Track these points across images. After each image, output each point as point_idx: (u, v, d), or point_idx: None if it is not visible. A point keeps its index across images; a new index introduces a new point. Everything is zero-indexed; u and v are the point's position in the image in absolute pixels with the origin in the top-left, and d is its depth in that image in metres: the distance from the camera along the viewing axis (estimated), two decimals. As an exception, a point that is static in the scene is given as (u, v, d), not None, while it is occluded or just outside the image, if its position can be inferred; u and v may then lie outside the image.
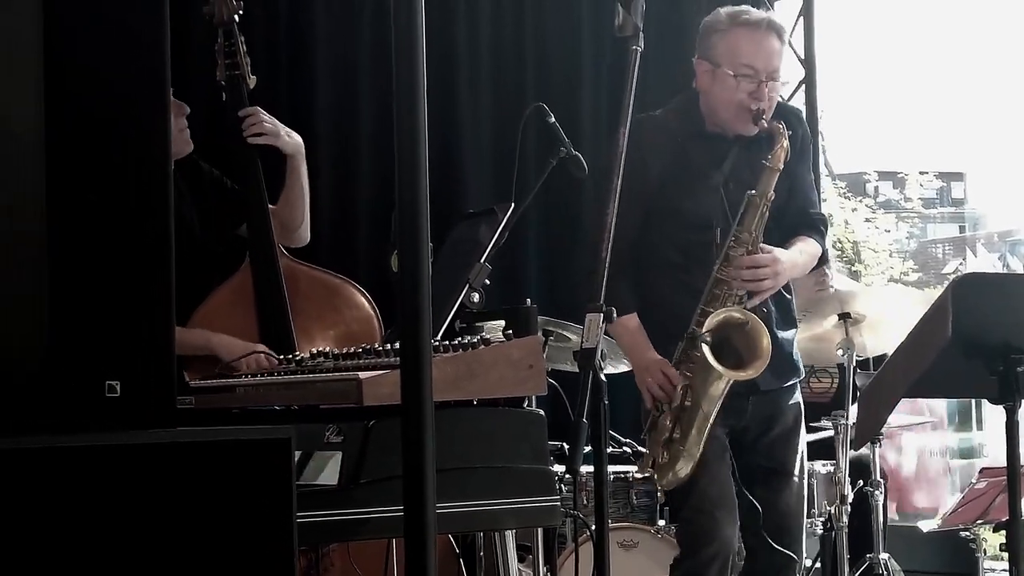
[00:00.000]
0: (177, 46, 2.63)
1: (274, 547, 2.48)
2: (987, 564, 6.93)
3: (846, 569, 5.50)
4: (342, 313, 4.56)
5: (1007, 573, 3.28)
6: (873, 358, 6.12)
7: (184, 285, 2.61)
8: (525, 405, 3.35)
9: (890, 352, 3.30)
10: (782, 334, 4.27)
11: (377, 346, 3.39)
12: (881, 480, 5.80)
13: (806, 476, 4.46)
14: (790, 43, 7.46)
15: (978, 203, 36.42)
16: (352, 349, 3.43)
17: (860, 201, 26.08)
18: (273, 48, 6.17)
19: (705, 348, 4.00)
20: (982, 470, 6.55)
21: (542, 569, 4.60)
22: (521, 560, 4.69)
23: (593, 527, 3.57)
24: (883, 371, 3.27)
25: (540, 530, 4.56)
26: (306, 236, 4.79)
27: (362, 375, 3.07)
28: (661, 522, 5.27)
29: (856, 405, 5.31)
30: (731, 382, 4.06)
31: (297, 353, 3.76)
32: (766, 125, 4.15)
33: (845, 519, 5.46)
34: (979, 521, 6.40)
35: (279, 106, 5.97)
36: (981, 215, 35.59)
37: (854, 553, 5.67)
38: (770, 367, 4.15)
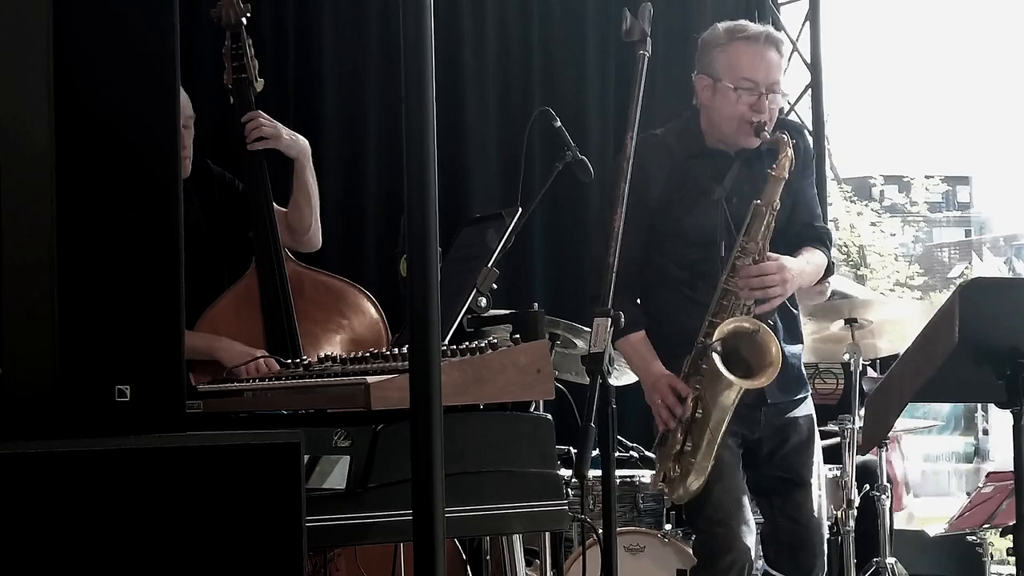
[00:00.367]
0: (184, 50, 2.64)
1: (283, 551, 2.49)
2: (994, 568, 6.93)
3: (853, 573, 5.50)
4: (348, 317, 4.56)
5: (1014, 577, 3.28)
6: (880, 360, 6.12)
7: (193, 289, 2.62)
8: (532, 409, 3.35)
9: (897, 355, 3.30)
10: (789, 349, 4.26)
11: (385, 350, 3.39)
12: (888, 484, 5.80)
13: (824, 486, 4.46)
14: (796, 48, 7.48)
15: (984, 207, 36.44)
16: (360, 353, 3.44)
17: (866, 205, 26.06)
18: (281, 53, 6.17)
19: (716, 357, 4.00)
20: (989, 474, 6.55)
21: (549, 573, 4.59)
22: (528, 564, 4.68)
23: (600, 531, 3.58)
24: (890, 376, 3.28)
25: (547, 534, 4.55)
26: (317, 241, 4.79)
27: (370, 379, 3.07)
28: (668, 527, 5.27)
29: (863, 410, 5.31)
30: (742, 392, 4.06)
31: (305, 357, 3.76)
32: (768, 137, 4.16)
33: (852, 523, 5.47)
34: (986, 525, 6.40)
35: (287, 111, 5.99)
36: (987, 219, 35.58)
37: (861, 557, 5.67)
38: (777, 383, 4.16)
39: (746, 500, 4.25)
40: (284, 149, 4.60)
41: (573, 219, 6.65)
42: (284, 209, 4.66)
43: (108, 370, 2.41)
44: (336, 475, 3.07)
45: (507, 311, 3.79)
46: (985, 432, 19.80)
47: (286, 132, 4.61)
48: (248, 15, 4.60)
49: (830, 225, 4.94)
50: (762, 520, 4.43)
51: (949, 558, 7.20)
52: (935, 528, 7.25)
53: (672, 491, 4.18)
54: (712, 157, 4.29)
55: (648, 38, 3.77)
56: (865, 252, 24.46)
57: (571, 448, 4.88)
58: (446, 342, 3.33)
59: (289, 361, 3.81)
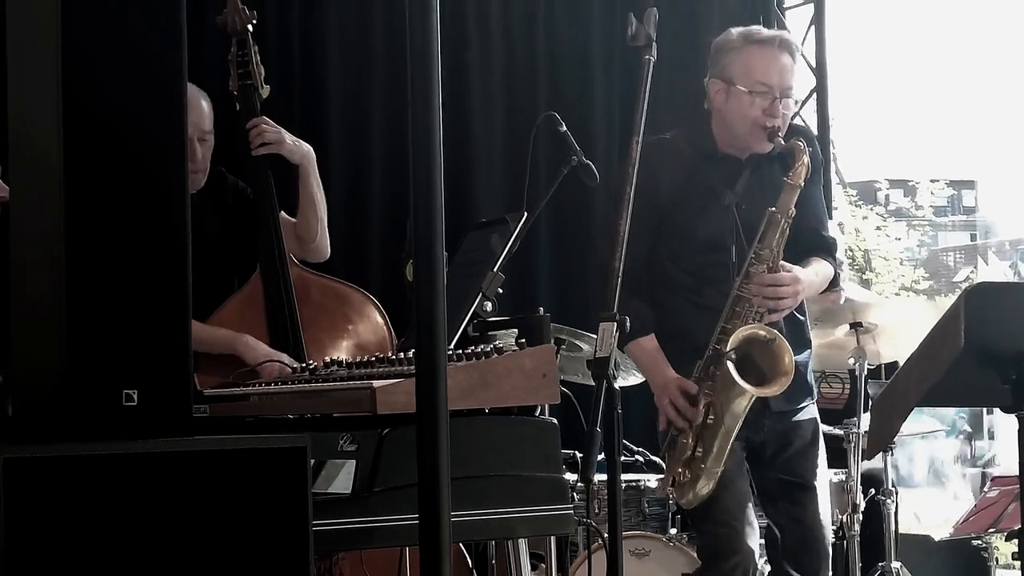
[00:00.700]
0: (191, 56, 2.64)
1: (289, 555, 2.49)
2: (999, 573, 6.93)
3: (858, 577, 5.50)
4: (353, 322, 4.56)
5: (1019, 582, 3.28)
6: (885, 365, 6.12)
7: (204, 294, 2.63)
8: (538, 414, 3.35)
9: (902, 360, 3.30)
10: (796, 356, 4.27)
11: (391, 355, 3.40)
12: (893, 489, 5.80)
13: (828, 489, 4.47)
14: (802, 53, 7.48)
15: (989, 211, 36.36)
16: (366, 358, 3.44)
17: (871, 209, 26.06)
18: (286, 59, 6.18)
19: (730, 365, 4.00)
20: (994, 479, 6.55)
21: (554, 577, 4.60)
22: (534, 568, 4.69)
23: (606, 535, 3.58)
24: (895, 380, 3.28)
25: (553, 538, 4.56)
26: (325, 250, 4.78)
27: (376, 384, 3.07)
28: (673, 531, 5.27)
29: (868, 414, 5.31)
30: (753, 399, 4.06)
31: (311, 362, 3.77)
32: (782, 142, 4.16)
33: (857, 528, 5.47)
34: (991, 530, 6.40)
35: (292, 117, 5.99)
36: (992, 223, 35.52)
37: (866, 562, 5.67)
38: (783, 393, 4.17)
39: (750, 503, 4.26)
40: (287, 155, 4.61)
41: (578, 224, 6.65)
42: (293, 219, 4.67)
43: (115, 374, 2.42)
44: (342, 479, 3.08)
45: (512, 316, 3.80)
46: (991, 436, 19.78)
47: (289, 138, 4.61)
48: (254, 22, 4.60)
49: (836, 230, 4.93)
50: (767, 523, 4.44)
51: (954, 562, 7.19)
52: (940, 532, 7.25)
53: (681, 495, 4.18)
54: (724, 162, 4.30)
55: (653, 43, 3.78)
56: (870, 256, 24.45)
57: (576, 452, 4.89)
58: (452, 346, 3.33)
59: (296, 365, 3.82)
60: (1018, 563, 3.21)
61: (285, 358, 4.22)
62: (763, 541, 4.50)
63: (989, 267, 29.42)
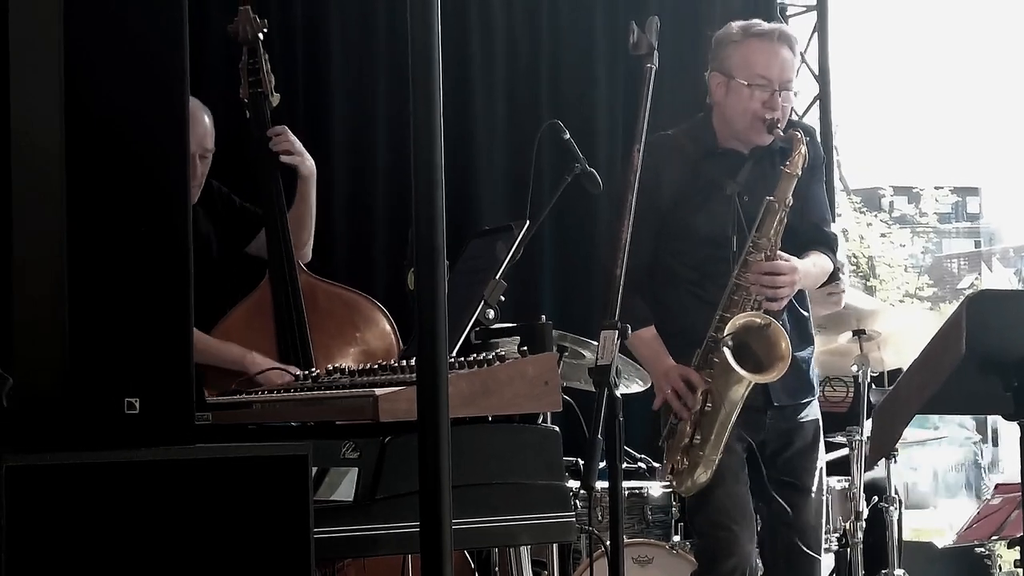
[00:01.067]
0: (197, 64, 2.65)
1: (291, 562, 2.50)
2: (1003, 580, 6.93)
3: (861, 585, 5.50)
4: (361, 329, 4.57)
5: (1022, 589, 3.28)
6: (888, 372, 6.12)
7: (201, 302, 2.63)
8: (540, 421, 3.35)
9: (905, 367, 3.30)
10: (798, 352, 4.27)
11: (393, 362, 3.40)
12: (896, 496, 5.79)
13: (825, 492, 4.47)
14: (804, 59, 7.48)
15: (993, 218, 36.32)
16: (368, 365, 3.45)
17: (875, 216, 26.02)
18: (290, 67, 6.19)
19: (726, 351, 4.02)
20: (997, 486, 6.54)
21: (557, 585, 4.60)
22: (536, 576, 4.70)
23: (608, 543, 3.58)
24: (897, 387, 3.27)
25: (555, 546, 4.57)
26: (308, 254, 4.82)
27: (378, 391, 3.08)
28: (676, 538, 5.26)
29: (870, 421, 5.31)
30: (751, 386, 4.08)
31: (314, 369, 3.77)
32: (781, 134, 4.18)
33: (860, 535, 5.46)
34: (994, 537, 6.39)
35: (296, 125, 6.00)
36: (996, 230, 35.50)
37: (869, 569, 5.67)
38: (785, 386, 4.19)
39: (749, 506, 4.26)
40: (304, 169, 4.66)
41: (581, 231, 6.65)
42: None
43: (117, 382, 2.42)
44: (344, 487, 3.08)
45: (515, 323, 3.80)
46: (994, 443, 19.77)
47: (307, 154, 4.67)
48: (265, 31, 4.62)
49: (841, 236, 4.94)
50: (760, 524, 4.43)
51: (957, 570, 7.19)
52: (943, 540, 7.24)
53: (680, 483, 4.19)
54: (725, 156, 4.32)
55: (655, 52, 3.79)
56: (874, 263, 24.42)
57: (579, 459, 4.89)
58: (454, 354, 3.34)
59: (298, 373, 3.82)
60: (1021, 571, 3.21)
61: (294, 370, 4.23)
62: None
63: (993, 274, 29.40)
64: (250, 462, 2.50)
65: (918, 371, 3.14)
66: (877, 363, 5.77)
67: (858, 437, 5.48)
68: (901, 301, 23.38)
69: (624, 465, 3.57)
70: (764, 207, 4.13)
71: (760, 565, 4.45)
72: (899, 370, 5.79)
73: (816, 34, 7.76)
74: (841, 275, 4.59)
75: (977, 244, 35.23)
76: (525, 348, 3.31)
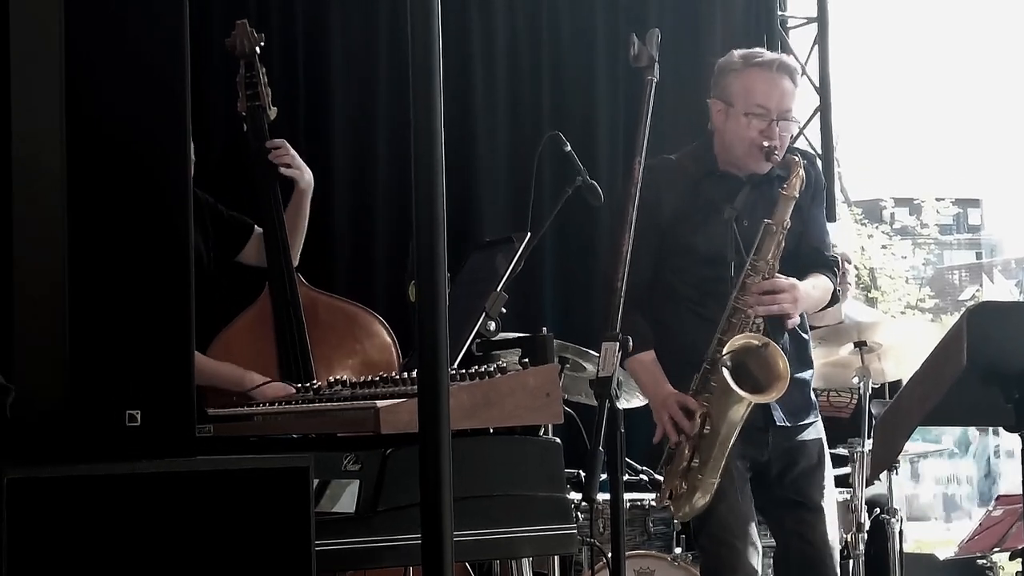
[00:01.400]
0: (196, 78, 2.64)
1: (293, 575, 2.49)
2: (1004, 592, 6.92)
3: (863, 597, 5.49)
4: (361, 341, 4.57)
5: (1024, 601, 3.28)
6: (889, 384, 6.12)
7: (197, 314, 2.62)
8: (541, 433, 3.35)
9: (906, 379, 3.30)
10: (798, 375, 4.28)
11: (395, 375, 3.40)
12: (897, 508, 5.79)
13: (835, 509, 4.47)
14: (805, 71, 7.49)
15: (995, 229, 36.37)
16: (369, 377, 3.45)
17: (876, 228, 26.05)
18: (291, 80, 6.20)
19: (725, 372, 4.03)
20: (999, 497, 6.54)
21: (559, 597, 4.59)
22: (538, 588, 4.69)
23: (610, 555, 3.58)
24: (898, 399, 3.27)
25: (557, 558, 4.56)
26: (295, 262, 4.81)
27: (379, 403, 3.08)
28: (678, 550, 5.26)
29: (871, 434, 5.31)
30: (751, 407, 4.08)
31: (315, 381, 3.77)
32: (778, 160, 4.22)
33: (862, 547, 5.46)
34: (996, 549, 6.38)
35: (297, 136, 6.01)
36: (998, 241, 35.53)
37: (871, 581, 5.67)
38: (786, 406, 4.21)
39: (753, 522, 4.26)
40: (302, 182, 4.65)
41: (582, 243, 6.66)
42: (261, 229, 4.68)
43: (119, 395, 2.43)
44: (346, 499, 3.08)
45: (516, 335, 3.80)
46: (996, 455, 19.76)
47: (305, 167, 4.67)
48: (262, 44, 4.62)
49: (845, 249, 4.95)
50: (774, 544, 4.44)
51: (959, 582, 7.18)
52: (945, 552, 7.23)
53: (678, 508, 4.19)
54: (724, 179, 4.34)
55: (656, 63, 3.81)
56: (876, 275, 24.43)
57: (580, 471, 4.88)
58: (455, 366, 3.34)
59: (299, 385, 3.82)
60: (1022, 582, 3.20)
61: (291, 389, 4.22)
62: (771, 560, 4.50)
63: (995, 285, 29.40)
64: (251, 474, 2.50)
65: (919, 383, 3.13)
66: (878, 375, 5.77)
67: (859, 449, 5.47)
68: (902, 313, 23.39)
69: (625, 477, 3.57)
70: (762, 229, 4.16)
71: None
72: (900, 382, 5.79)
73: (817, 46, 7.77)
74: (840, 289, 4.60)
75: (978, 256, 35.25)
76: (526, 360, 3.31)
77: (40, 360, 2.41)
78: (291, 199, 4.68)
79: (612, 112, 6.94)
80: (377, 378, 3.41)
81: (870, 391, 5.60)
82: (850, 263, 4.55)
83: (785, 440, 4.33)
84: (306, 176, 4.67)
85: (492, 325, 3.57)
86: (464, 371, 3.24)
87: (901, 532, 5.88)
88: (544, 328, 3.54)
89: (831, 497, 4.42)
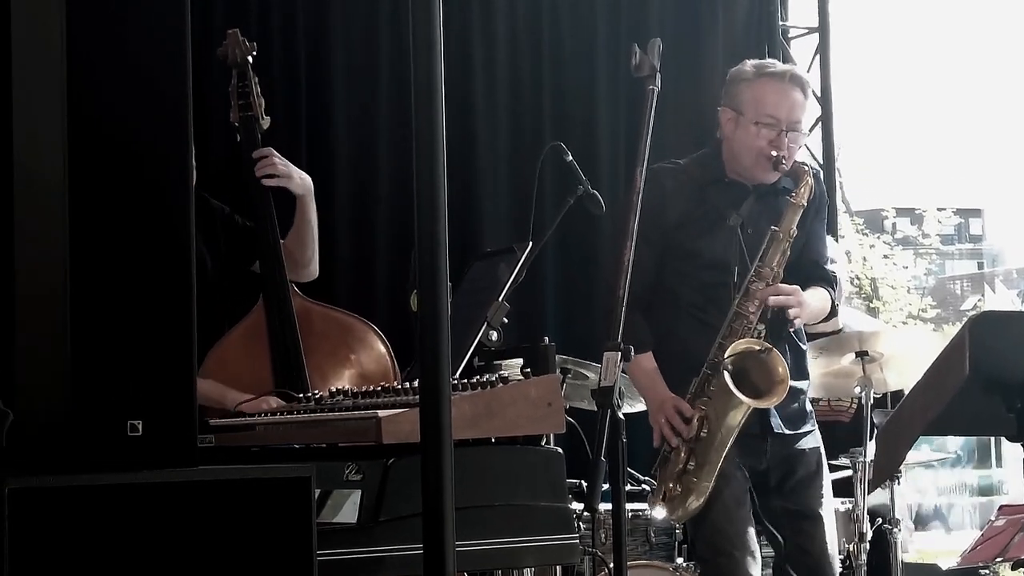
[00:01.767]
0: (194, 82, 2.64)
1: (294, 585, 2.49)
2: (1007, 602, 6.90)
3: (865, 607, 5.48)
4: (356, 352, 4.56)
5: (1027, 611, 3.27)
6: (891, 393, 6.12)
7: (200, 325, 2.62)
8: (543, 443, 3.35)
9: (908, 389, 3.30)
10: (795, 384, 4.29)
11: (396, 384, 3.40)
12: (899, 518, 5.78)
13: (835, 518, 4.47)
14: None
15: (996, 239, 36.36)
16: (371, 387, 3.45)
17: (878, 237, 26.09)
18: (292, 90, 6.21)
19: (726, 375, 4.04)
20: (1001, 507, 6.53)
21: (561, 607, 4.59)
22: (539, 598, 4.68)
23: (612, 565, 3.58)
24: (900, 409, 3.27)
25: (559, 568, 4.56)
26: (315, 271, 4.78)
27: (381, 413, 3.08)
28: (680, 560, 5.25)
29: (873, 443, 5.31)
30: (749, 413, 4.10)
31: (316, 391, 3.77)
32: (786, 170, 4.25)
33: (864, 557, 5.45)
34: (998, 559, 6.37)
35: (299, 146, 6.02)
36: (999, 251, 35.53)
37: (873, 591, 5.66)
38: (783, 414, 4.23)
39: (752, 531, 4.26)
40: (293, 188, 4.62)
41: (584, 253, 6.66)
42: (282, 240, 4.67)
43: (120, 405, 2.42)
44: (347, 509, 3.08)
45: (518, 345, 3.80)
46: (999, 465, 19.75)
47: (296, 173, 4.63)
48: (254, 53, 4.61)
49: (843, 259, 4.96)
50: (774, 554, 4.44)
51: (962, 592, 7.16)
52: (947, 562, 7.22)
53: (672, 510, 4.21)
54: (730, 186, 4.37)
55: (657, 73, 3.82)
56: (877, 285, 24.45)
57: (582, 481, 4.88)
58: (457, 376, 3.34)
59: (300, 395, 3.82)
60: (1025, 592, 3.20)
61: (275, 403, 4.20)
62: (770, 570, 4.50)
63: (996, 295, 29.40)
64: (253, 484, 2.49)
65: (921, 393, 3.13)
66: (880, 384, 5.77)
67: (861, 459, 5.47)
68: (904, 322, 23.40)
69: (627, 487, 3.57)
70: (769, 236, 4.20)
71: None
72: (902, 391, 5.78)
73: (818, 56, 7.78)
74: (838, 304, 4.61)
75: (980, 265, 35.26)
76: (528, 370, 3.31)
77: (41, 370, 2.41)
78: (295, 208, 4.68)
79: (613, 121, 6.94)
80: (379, 388, 3.41)
81: (872, 401, 5.60)
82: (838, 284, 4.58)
83: (783, 448, 4.34)
84: (298, 182, 4.63)
85: (494, 335, 3.57)
86: (466, 381, 3.24)
87: (903, 542, 5.87)
88: (546, 338, 3.54)
89: (830, 506, 4.43)
